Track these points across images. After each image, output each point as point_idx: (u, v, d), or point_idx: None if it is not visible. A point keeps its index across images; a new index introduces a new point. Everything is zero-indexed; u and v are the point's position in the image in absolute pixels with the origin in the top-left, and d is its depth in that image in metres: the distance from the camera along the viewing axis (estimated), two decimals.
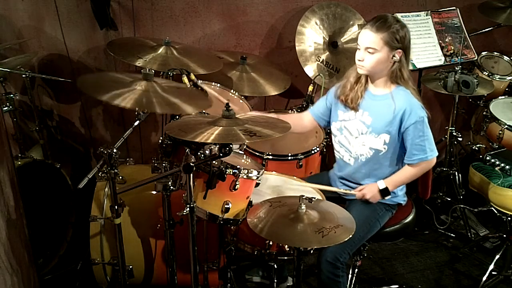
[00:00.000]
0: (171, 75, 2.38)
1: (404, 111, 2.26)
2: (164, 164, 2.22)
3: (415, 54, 3.21)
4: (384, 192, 2.36)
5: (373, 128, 2.33)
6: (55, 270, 2.89)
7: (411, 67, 3.04)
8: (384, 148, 2.34)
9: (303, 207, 2.00)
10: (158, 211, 2.43)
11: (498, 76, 3.44)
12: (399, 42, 2.22)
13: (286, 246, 2.25)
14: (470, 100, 3.55)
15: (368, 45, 2.24)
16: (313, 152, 2.81)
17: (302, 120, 2.64)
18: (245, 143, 2.59)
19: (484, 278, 2.88)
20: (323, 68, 3.17)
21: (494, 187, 2.70)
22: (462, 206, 3.38)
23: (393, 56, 2.24)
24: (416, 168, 2.35)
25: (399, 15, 3.21)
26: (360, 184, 2.45)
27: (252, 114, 2.45)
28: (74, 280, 2.86)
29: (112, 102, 1.89)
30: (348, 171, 2.47)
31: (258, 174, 2.16)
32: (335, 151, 2.54)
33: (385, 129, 2.31)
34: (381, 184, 2.37)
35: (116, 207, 2.11)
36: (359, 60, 2.28)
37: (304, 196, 2.02)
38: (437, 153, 2.34)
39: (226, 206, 2.10)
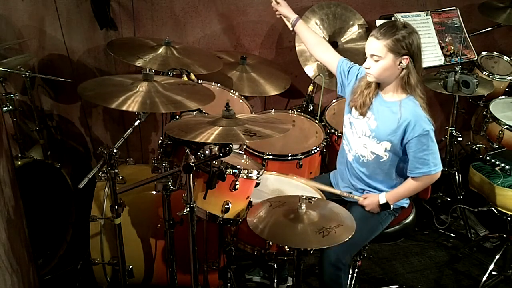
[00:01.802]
0: (171, 75, 2.38)
1: (409, 123, 2.22)
2: (164, 164, 2.21)
3: None
4: (384, 206, 2.36)
5: (376, 134, 2.32)
6: (55, 270, 2.88)
7: None
8: (386, 156, 2.33)
9: (303, 207, 2.00)
10: (158, 211, 2.43)
11: (498, 76, 3.44)
12: (405, 49, 2.17)
13: (286, 246, 2.25)
14: (470, 100, 3.55)
15: (372, 52, 2.22)
16: (313, 152, 2.81)
17: (329, 52, 2.59)
18: (245, 143, 2.59)
19: (484, 278, 2.88)
20: (323, 68, 3.15)
21: (494, 187, 2.70)
22: (462, 206, 3.38)
23: (400, 62, 2.20)
24: (419, 182, 2.32)
25: (399, 15, 3.22)
26: (362, 183, 2.45)
27: None
28: (74, 280, 2.86)
29: (121, 108, 1.89)
30: (348, 166, 2.47)
31: (258, 174, 2.17)
32: (342, 139, 2.54)
33: (388, 137, 2.29)
34: (382, 199, 2.36)
35: (116, 207, 2.11)
36: (366, 68, 2.26)
37: (304, 196, 2.02)
38: (441, 168, 2.29)
39: (226, 206, 2.10)
